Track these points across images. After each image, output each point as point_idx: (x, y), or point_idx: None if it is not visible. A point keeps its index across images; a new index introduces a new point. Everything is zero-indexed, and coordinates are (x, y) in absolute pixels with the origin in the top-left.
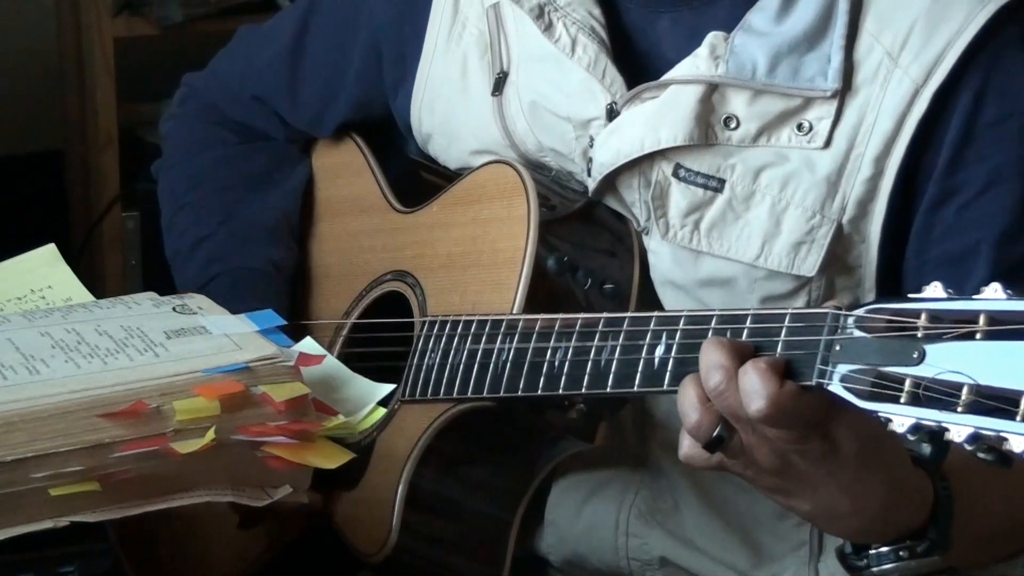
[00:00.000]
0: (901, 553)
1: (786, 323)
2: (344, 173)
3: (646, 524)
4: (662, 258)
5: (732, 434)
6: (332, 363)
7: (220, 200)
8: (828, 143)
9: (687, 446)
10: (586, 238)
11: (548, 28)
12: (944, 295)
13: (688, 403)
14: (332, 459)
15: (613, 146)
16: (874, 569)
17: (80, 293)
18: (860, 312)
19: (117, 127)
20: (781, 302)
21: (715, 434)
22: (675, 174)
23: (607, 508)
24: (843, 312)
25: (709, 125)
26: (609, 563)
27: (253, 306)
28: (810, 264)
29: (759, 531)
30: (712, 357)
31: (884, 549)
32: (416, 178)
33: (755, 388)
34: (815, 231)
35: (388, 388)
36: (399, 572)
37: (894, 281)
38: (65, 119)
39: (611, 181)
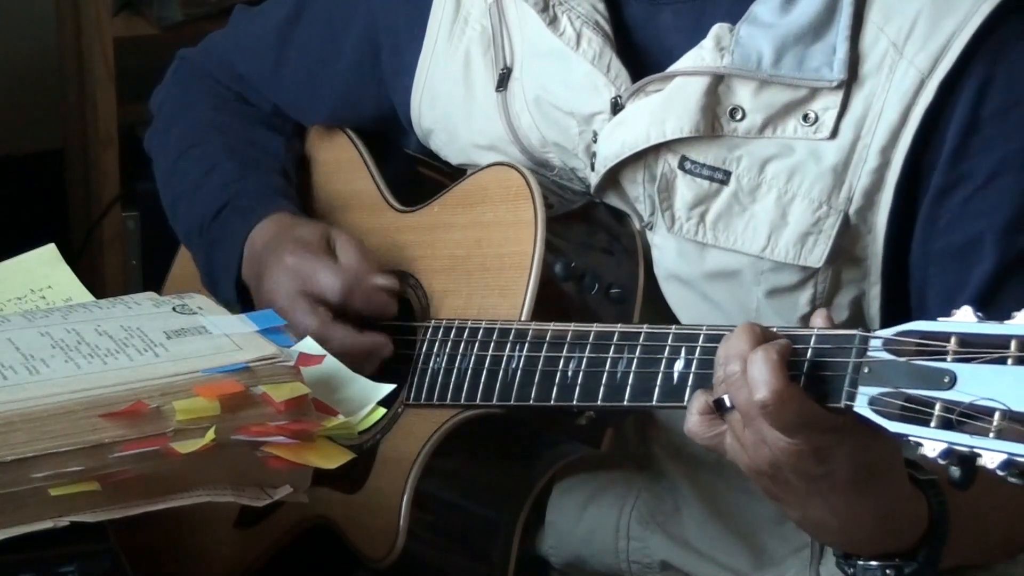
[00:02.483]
0: (888, 572)
1: (812, 344)
2: (338, 169)
3: (647, 527)
4: (667, 252)
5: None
6: (332, 363)
7: (223, 140)
8: (834, 134)
9: (694, 420)
10: (590, 241)
11: (553, 22)
12: (974, 319)
13: (718, 359)
14: (332, 459)
15: (618, 139)
16: None
17: (80, 293)
18: (888, 334)
19: (117, 127)
20: (788, 294)
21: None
22: (681, 166)
23: (608, 511)
24: (871, 334)
25: (715, 117)
26: (610, 566)
27: (285, 207)
28: (817, 255)
29: (760, 534)
30: (737, 344)
31: (872, 564)
32: (414, 176)
33: (762, 377)
34: (822, 222)
35: (388, 388)
36: (402, 575)
37: (900, 272)
38: (65, 119)
39: (614, 176)
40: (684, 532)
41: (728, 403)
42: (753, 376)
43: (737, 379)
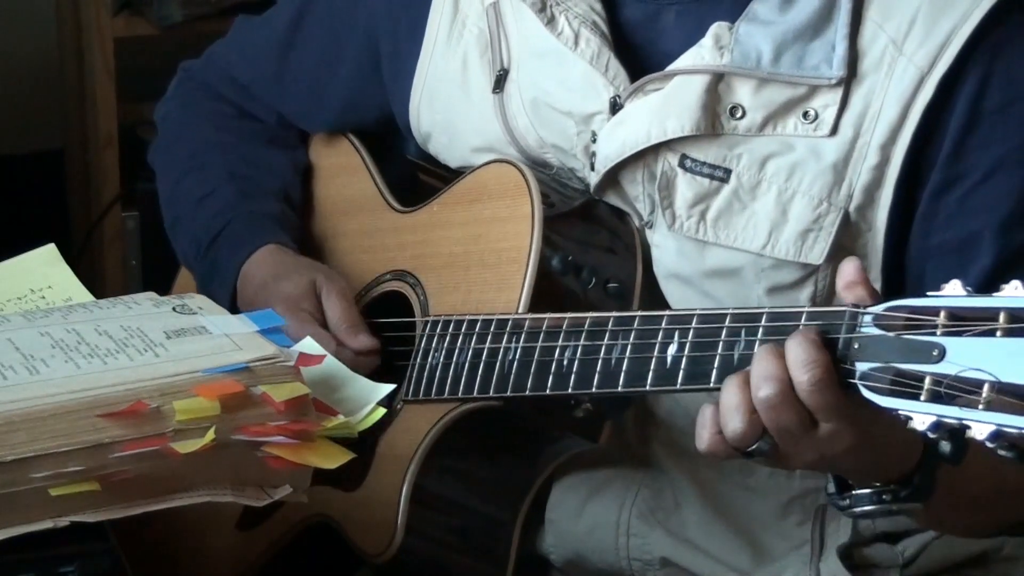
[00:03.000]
0: (884, 497)
1: (803, 321)
2: (340, 173)
3: (647, 524)
4: (667, 251)
5: (772, 445)
6: (332, 363)
7: (223, 161)
8: (834, 131)
9: (712, 442)
10: (589, 237)
11: (551, 22)
12: (963, 292)
13: (731, 406)
14: (332, 459)
15: (618, 138)
16: (855, 510)
17: (80, 293)
18: (878, 310)
19: (117, 127)
20: (788, 292)
21: (755, 446)
22: (681, 165)
23: (608, 508)
24: (861, 310)
25: (715, 115)
26: (610, 563)
27: (278, 238)
28: (817, 252)
29: (760, 530)
30: (766, 367)
31: (866, 491)
32: (414, 179)
33: (812, 357)
34: (822, 219)
35: (388, 388)
36: (403, 572)
37: (900, 269)
38: (65, 119)
39: (614, 175)
40: (684, 529)
41: (760, 446)
42: (802, 358)
43: (774, 404)
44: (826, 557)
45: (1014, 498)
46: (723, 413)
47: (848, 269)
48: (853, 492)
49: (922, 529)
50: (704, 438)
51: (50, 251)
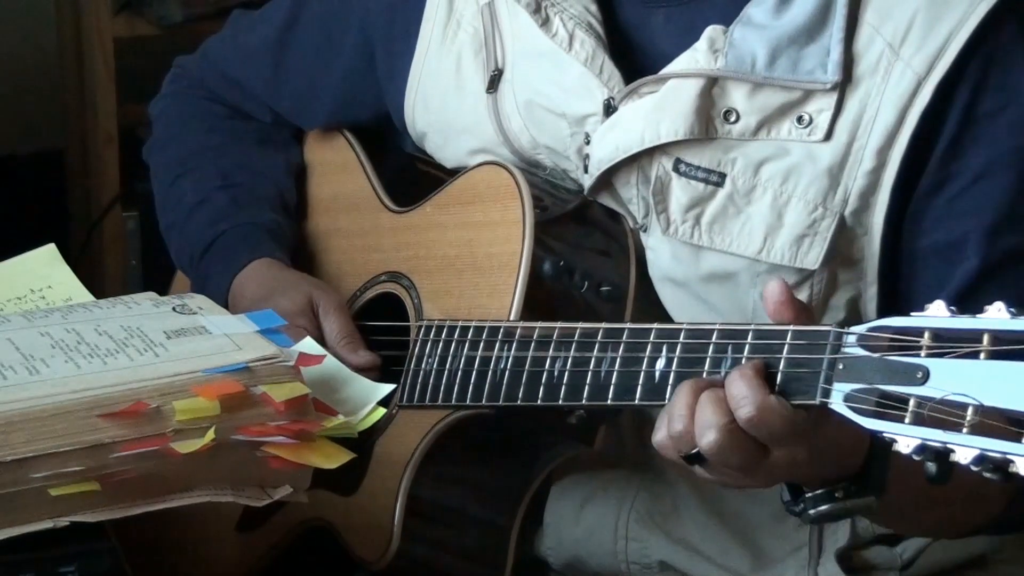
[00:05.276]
0: (836, 495)
1: (788, 340)
2: (335, 171)
3: (645, 527)
4: (661, 255)
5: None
6: (332, 363)
7: (216, 165)
8: (829, 135)
9: (662, 437)
10: (581, 240)
11: (545, 23)
12: (947, 313)
13: (679, 410)
14: (332, 459)
15: (612, 141)
16: (811, 512)
17: (80, 293)
18: (862, 330)
19: (117, 127)
20: None
21: (695, 451)
22: (675, 169)
23: (606, 511)
24: (845, 330)
25: (709, 119)
26: (608, 567)
27: (271, 251)
28: (813, 257)
29: (758, 534)
30: (706, 415)
31: (819, 492)
32: (409, 176)
33: (741, 392)
34: (817, 224)
35: (388, 388)
36: None
37: (896, 273)
38: (65, 119)
39: (607, 178)
40: (683, 532)
41: (700, 452)
42: (733, 394)
43: (718, 448)
44: (824, 560)
45: (975, 495)
46: (670, 414)
47: (773, 287)
48: (806, 496)
49: None
50: (660, 431)
51: (50, 251)
